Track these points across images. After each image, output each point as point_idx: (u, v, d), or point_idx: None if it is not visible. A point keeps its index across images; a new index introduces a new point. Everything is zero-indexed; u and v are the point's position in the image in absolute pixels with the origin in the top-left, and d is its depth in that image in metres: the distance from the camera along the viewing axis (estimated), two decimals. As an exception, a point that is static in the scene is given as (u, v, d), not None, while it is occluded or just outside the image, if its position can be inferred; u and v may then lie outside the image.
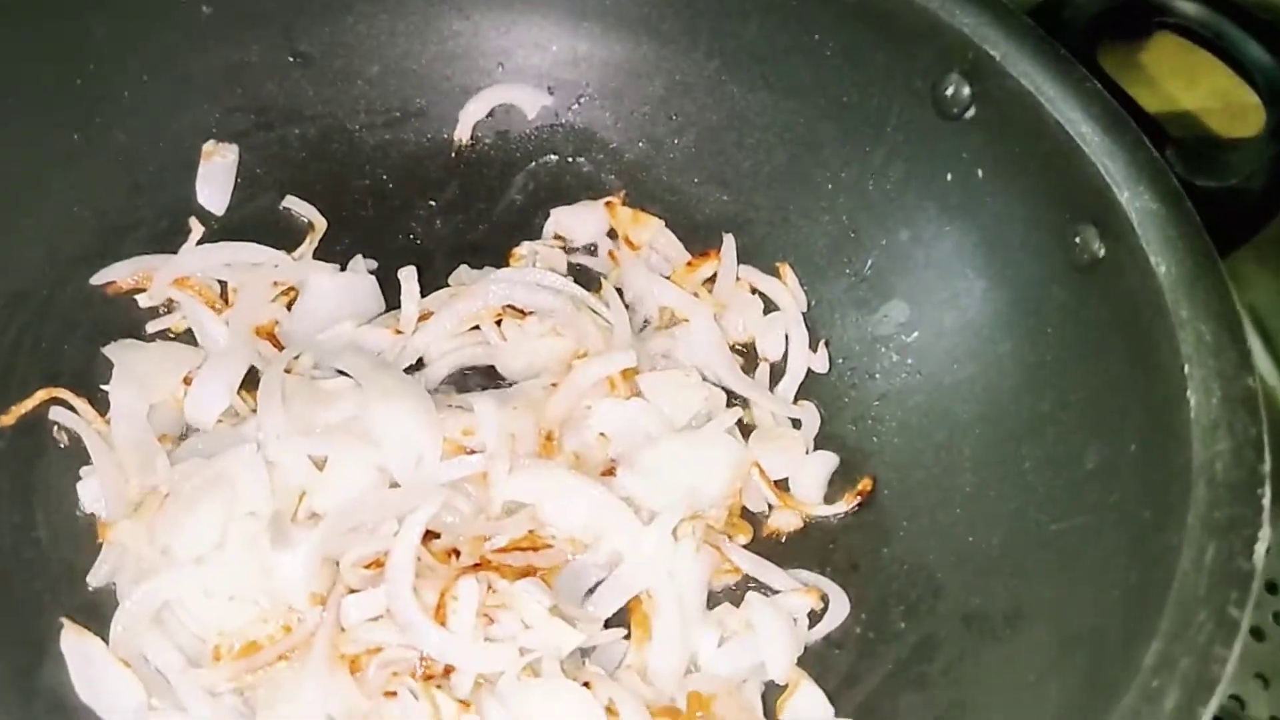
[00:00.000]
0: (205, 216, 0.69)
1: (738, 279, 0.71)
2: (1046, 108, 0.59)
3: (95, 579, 0.57)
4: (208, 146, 0.69)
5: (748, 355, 0.70)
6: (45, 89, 0.62)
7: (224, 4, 0.67)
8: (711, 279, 0.71)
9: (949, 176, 0.65)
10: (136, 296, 0.65)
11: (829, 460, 0.66)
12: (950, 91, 0.64)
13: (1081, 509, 0.55)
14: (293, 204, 0.70)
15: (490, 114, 0.75)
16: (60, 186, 0.63)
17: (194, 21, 0.67)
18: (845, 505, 0.64)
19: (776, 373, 0.69)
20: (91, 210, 0.65)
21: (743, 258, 0.71)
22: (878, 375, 0.68)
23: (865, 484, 0.65)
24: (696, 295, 0.70)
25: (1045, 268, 0.61)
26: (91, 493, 0.58)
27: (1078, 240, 0.58)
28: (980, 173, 0.64)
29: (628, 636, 0.59)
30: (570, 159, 0.75)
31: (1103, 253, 0.57)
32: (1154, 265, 0.54)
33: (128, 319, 0.65)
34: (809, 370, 0.69)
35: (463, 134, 0.74)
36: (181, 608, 0.56)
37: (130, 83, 0.65)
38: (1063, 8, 0.68)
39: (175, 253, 0.66)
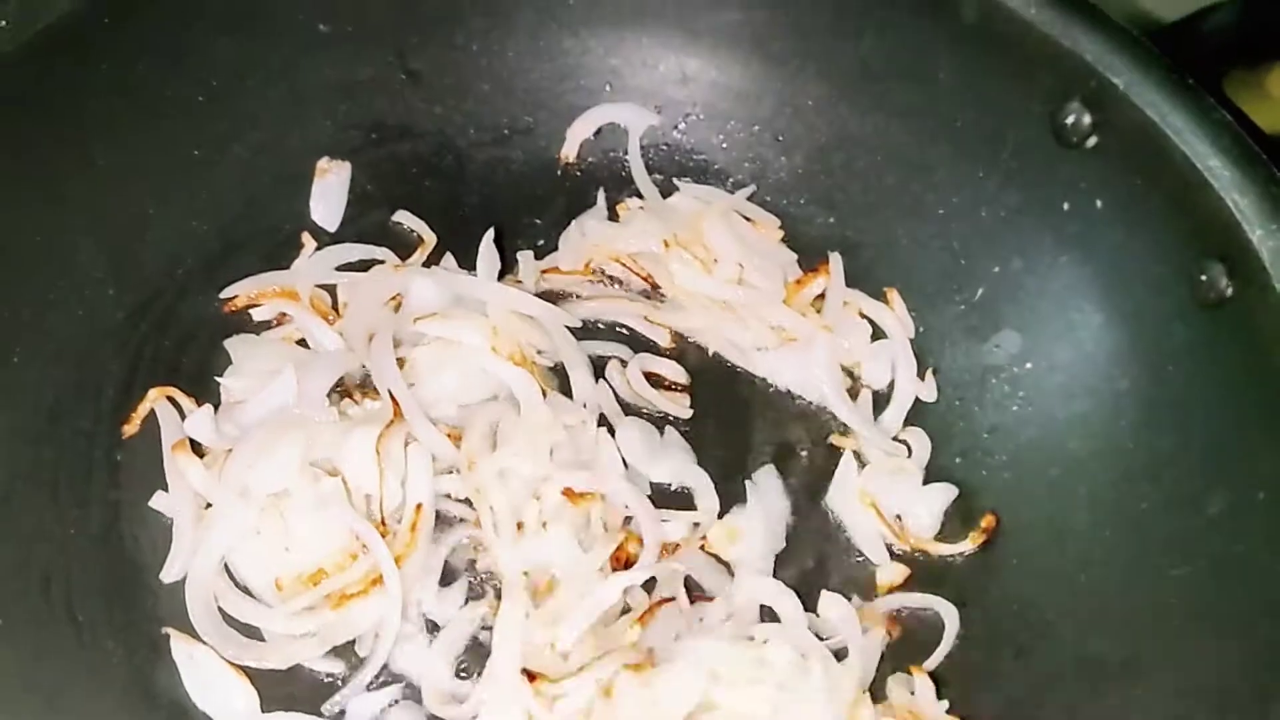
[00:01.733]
0: (317, 231, 0.70)
1: (845, 302, 0.70)
2: (1173, 139, 0.58)
3: (168, 575, 0.57)
4: (321, 164, 0.70)
5: (851, 382, 0.70)
6: (169, 105, 0.63)
7: (340, 22, 0.68)
8: (820, 297, 0.70)
9: (1066, 206, 0.64)
10: (251, 311, 0.66)
11: (947, 492, 0.65)
12: (1071, 119, 0.62)
13: (1203, 556, 0.53)
14: (403, 218, 0.71)
15: (597, 133, 0.75)
16: (180, 200, 0.65)
17: (312, 40, 0.67)
18: (970, 545, 0.63)
19: (880, 401, 0.69)
20: (209, 224, 0.66)
21: (849, 282, 0.70)
22: (988, 407, 0.66)
23: (989, 521, 0.63)
24: (804, 315, 0.69)
25: (1168, 304, 0.59)
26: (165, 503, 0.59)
27: (1204, 277, 0.57)
28: (1100, 203, 0.63)
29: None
30: (675, 178, 0.75)
31: (1230, 291, 0.55)
32: (1287, 306, 0.52)
33: (244, 329, 0.66)
34: (916, 399, 0.68)
35: (569, 152, 0.75)
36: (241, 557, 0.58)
37: (250, 100, 0.67)
38: (1189, 33, 0.66)
39: (288, 267, 0.67)
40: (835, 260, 0.71)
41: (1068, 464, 0.62)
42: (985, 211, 0.68)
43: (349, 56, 0.69)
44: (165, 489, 0.58)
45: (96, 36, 0.58)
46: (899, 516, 0.65)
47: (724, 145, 0.75)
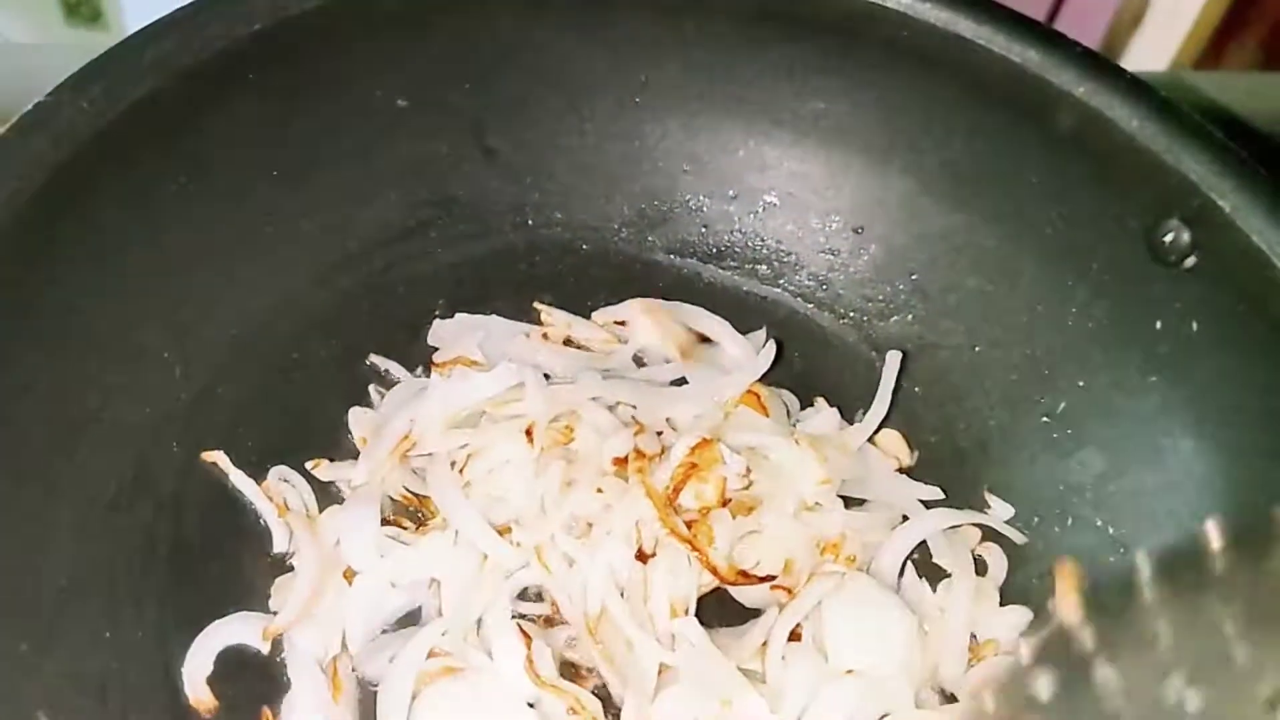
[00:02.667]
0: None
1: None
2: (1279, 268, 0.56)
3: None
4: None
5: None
6: (242, 183, 0.62)
7: (418, 97, 0.67)
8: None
9: (1158, 325, 0.62)
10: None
11: (1022, 615, 0.62)
12: (1169, 238, 0.60)
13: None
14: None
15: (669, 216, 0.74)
16: (247, 277, 0.63)
17: (389, 114, 0.66)
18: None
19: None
20: (275, 300, 0.65)
21: (926, 381, 0.69)
22: (1067, 528, 0.64)
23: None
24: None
25: (1268, 440, 0.57)
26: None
27: (1312, 419, 0.55)
28: (1195, 326, 0.60)
29: None
30: (747, 265, 0.74)
31: (1341, 435, 0.54)
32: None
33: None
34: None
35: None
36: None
37: (323, 173, 0.65)
38: (1293, 150, 0.64)
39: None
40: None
41: (1152, 600, 0.60)
42: (1072, 322, 0.65)
43: (425, 133, 0.68)
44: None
45: (175, 119, 0.57)
46: (973, 635, 0.63)
47: (799, 235, 0.73)
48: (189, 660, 0.55)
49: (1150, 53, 1.33)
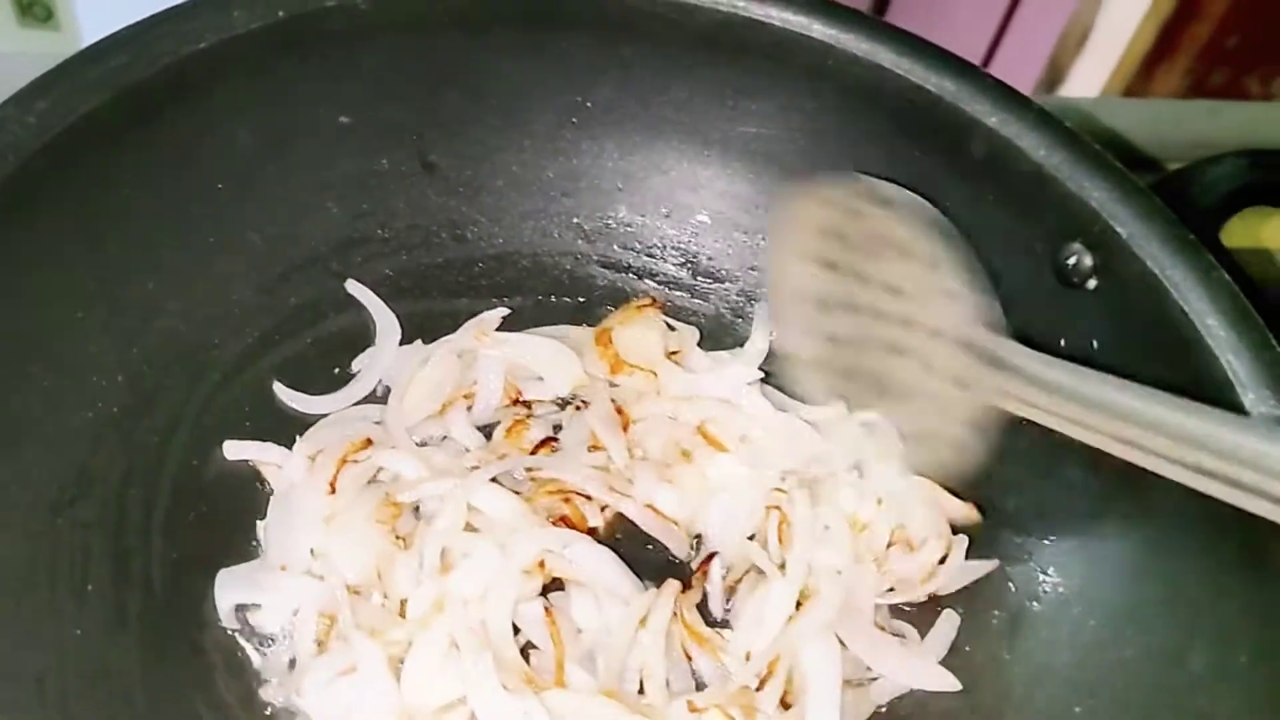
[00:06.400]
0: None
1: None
2: (1172, 294, 0.59)
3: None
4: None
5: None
6: (188, 195, 0.63)
7: (362, 114, 0.69)
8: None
9: (1062, 343, 0.65)
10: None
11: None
12: (1073, 261, 0.63)
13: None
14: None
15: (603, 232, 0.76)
16: (192, 287, 0.65)
17: (332, 130, 0.68)
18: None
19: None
20: (221, 310, 0.66)
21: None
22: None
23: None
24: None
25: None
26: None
27: (1197, 433, 0.58)
28: (1095, 344, 0.64)
29: None
30: (679, 280, 0.76)
31: (1222, 448, 0.57)
32: (1276, 475, 0.53)
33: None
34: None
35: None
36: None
37: (267, 188, 0.67)
38: (1191, 181, 0.68)
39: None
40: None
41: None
42: (983, 339, 0.69)
43: (367, 148, 0.70)
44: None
45: (120, 132, 0.58)
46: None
47: (730, 251, 0.76)
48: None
49: (1091, 79, 1.37)
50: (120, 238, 0.61)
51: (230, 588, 0.60)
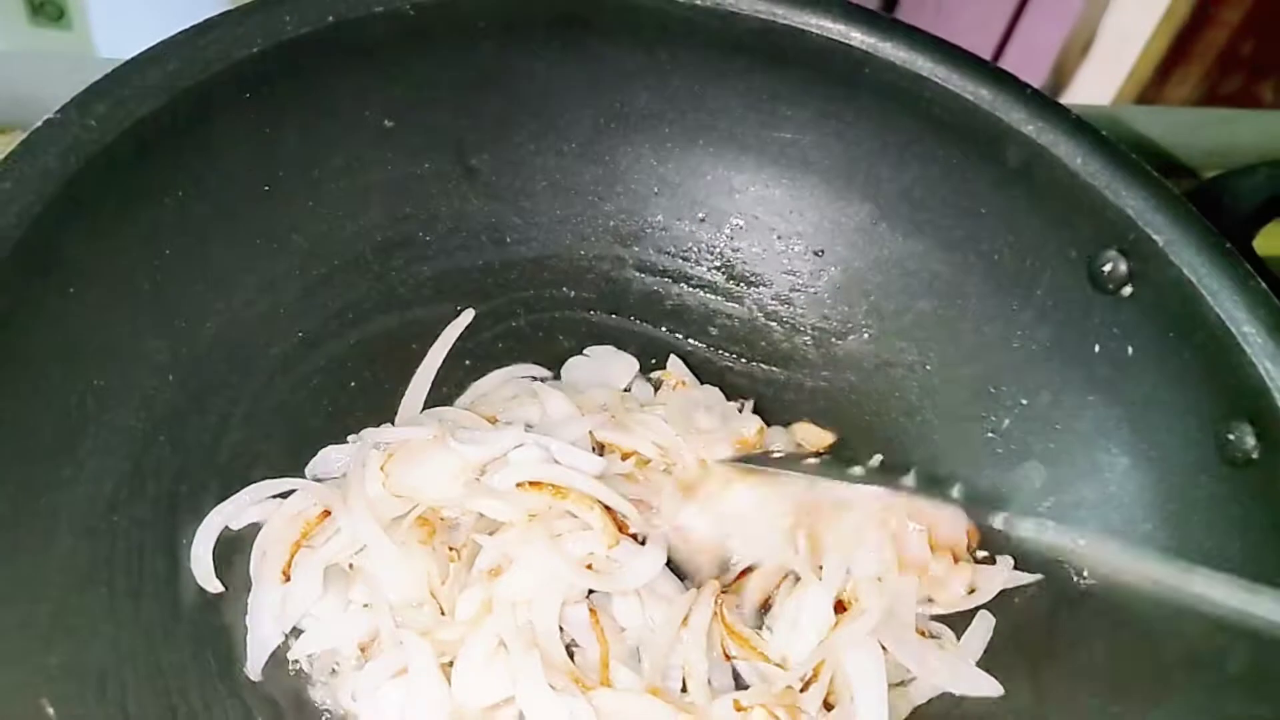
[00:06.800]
0: (370, 319, 0.71)
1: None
2: (1208, 300, 0.60)
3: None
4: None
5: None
6: (237, 198, 0.64)
7: (405, 118, 0.70)
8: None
9: (1097, 348, 0.66)
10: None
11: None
12: (1108, 268, 0.64)
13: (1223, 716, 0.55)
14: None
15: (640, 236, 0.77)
16: (240, 288, 0.66)
17: (376, 134, 0.69)
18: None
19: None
20: (267, 311, 0.67)
21: (880, 397, 0.73)
22: (1010, 538, 0.68)
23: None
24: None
25: (1194, 456, 0.61)
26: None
27: (1231, 436, 0.59)
28: (1131, 350, 0.65)
29: None
30: (713, 283, 0.77)
31: (1257, 454, 0.58)
32: (1313, 479, 0.55)
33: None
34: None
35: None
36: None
37: (312, 191, 0.68)
38: (1224, 193, 0.69)
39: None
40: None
41: (1088, 604, 0.65)
42: (1017, 344, 0.70)
43: (410, 152, 0.71)
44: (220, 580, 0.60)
45: (175, 135, 0.59)
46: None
47: (764, 255, 0.77)
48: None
49: (1096, 84, 1.38)
50: (172, 240, 0.61)
51: (262, 625, 0.60)
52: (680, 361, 0.76)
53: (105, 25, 1.09)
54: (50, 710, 0.48)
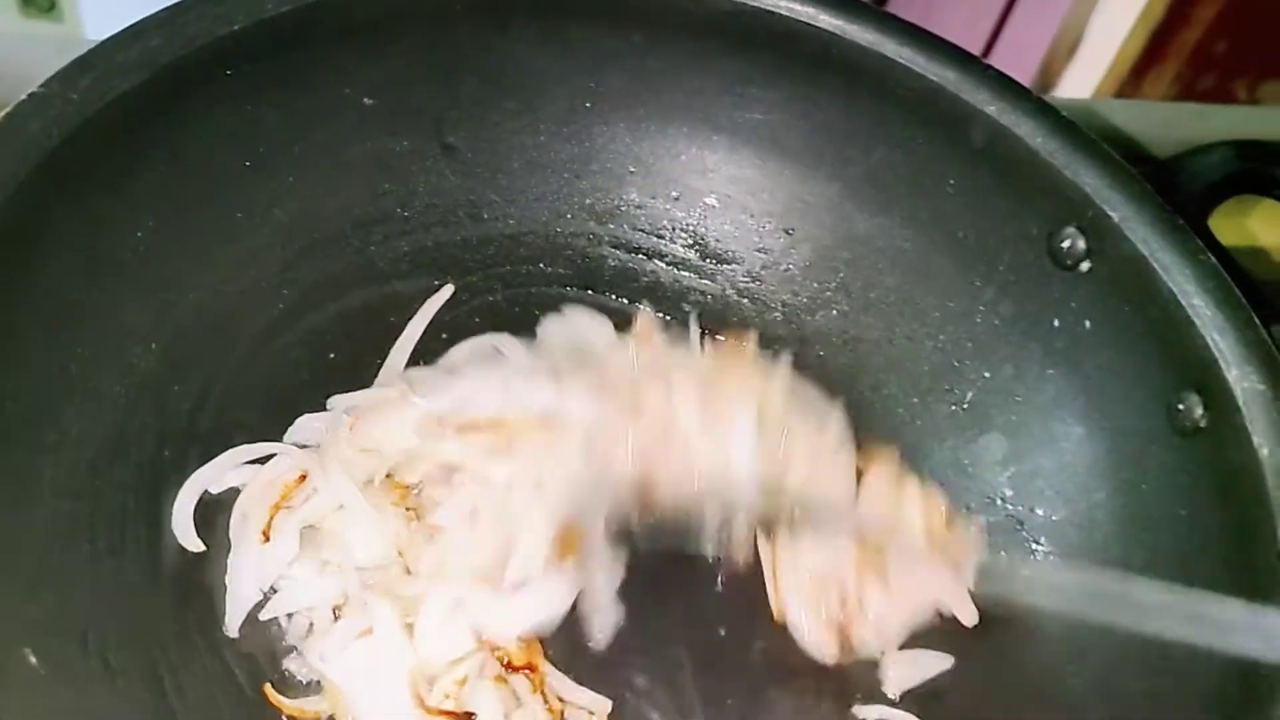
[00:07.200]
0: (347, 292, 0.73)
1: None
2: (1160, 274, 0.62)
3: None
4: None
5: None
6: (217, 173, 0.66)
7: (384, 97, 0.71)
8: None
9: (1056, 322, 0.68)
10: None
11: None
12: (1067, 244, 0.66)
13: (1167, 672, 0.57)
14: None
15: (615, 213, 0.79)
16: (221, 261, 0.67)
17: (356, 111, 0.71)
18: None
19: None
20: (248, 284, 0.69)
21: (846, 375, 0.75)
22: (971, 506, 0.70)
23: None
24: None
25: (1145, 426, 0.63)
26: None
27: (1180, 406, 0.61)
28: (1088, 324, 0.67)
29: None
30: (687, 261, 0.79)
31: (1205, 423, 0.60)
32: (1256, 446, 0.56)
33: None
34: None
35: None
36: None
37: (293, 166, 0.69)
38: (1180, 170, 0.71)
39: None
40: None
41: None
42: (980, 319, 0.72)
43: (389, 130, 0.72)
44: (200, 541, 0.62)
45: (156, 110, 0.61)
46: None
47: (736, 234, 0.79)
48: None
49: (1081, 82, 1.40)
50: (153, 213, 0.63)
51: (242, 585, 0.61)
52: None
53: (95, 15, 1.10)
54: (33, 659, 0.50)
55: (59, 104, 0.57)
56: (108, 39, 0.60)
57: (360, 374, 0.71)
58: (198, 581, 0.61)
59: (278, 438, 0.67)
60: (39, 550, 0.54)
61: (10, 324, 0.56)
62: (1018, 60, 1.47)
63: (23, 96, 0.56)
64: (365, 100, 0.71)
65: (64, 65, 0.58)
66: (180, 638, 0.58)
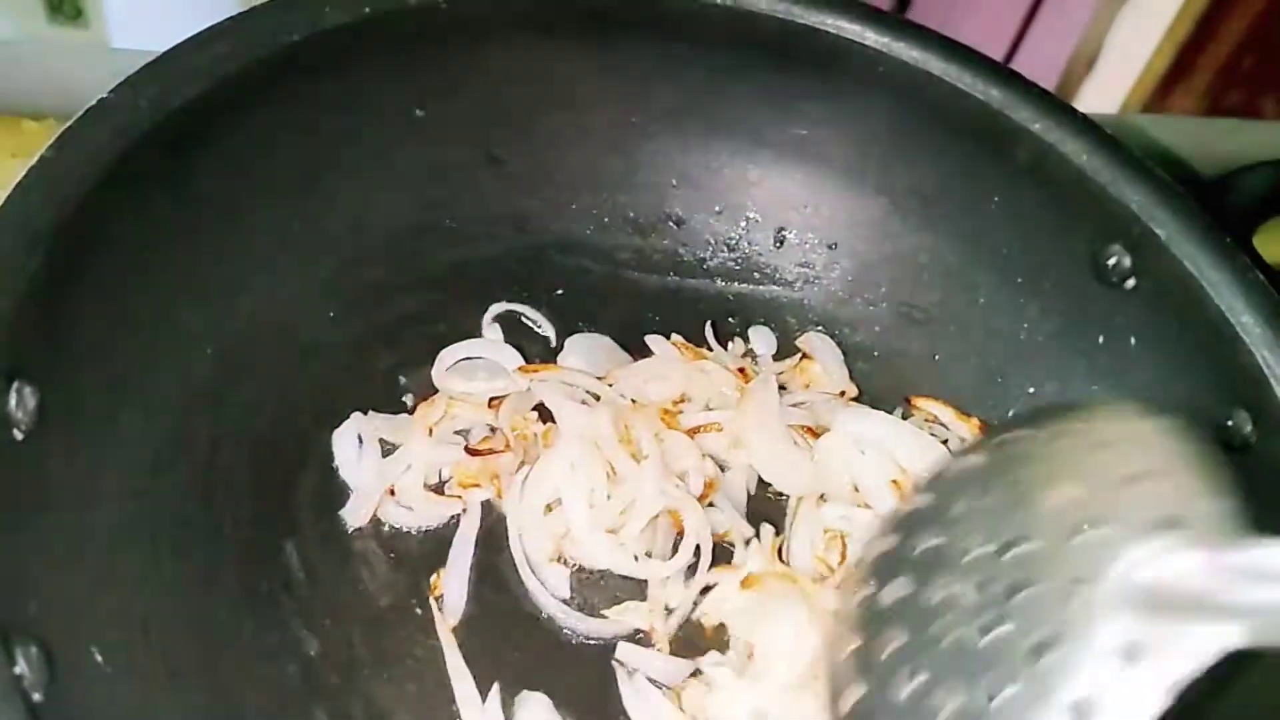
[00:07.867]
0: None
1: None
2: (1209, 292, 0.63)
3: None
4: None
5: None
6: (274, 182, 0.66)
7: (434, 108, 0.72)
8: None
9: (1101, 339, 0.69)
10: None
11: None
12: (1112, 261, 0.67)
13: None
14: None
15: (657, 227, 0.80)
16: (275, 268, 0.68)
17: (407, 122, 0.72)
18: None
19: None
20: (301, 289, 0.70)
21: (887, 391, 0.76)
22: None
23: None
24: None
25: (1193, 442, 0.64)
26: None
27: (1229, 423, 0.61)
28: (1133, 341, 0.67)
29: None
30: (728, 275, 0.80)
31: (1254, 439, 0.60)
32: (1306, 465, 0.57)
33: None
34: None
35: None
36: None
37: (345, 175, 0.70)
38: (1226, 190, 0.71)
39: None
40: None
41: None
42: (1024, 335, 0.72)
43: (438, 140, 0.73)
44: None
45: (218, 119, 0.61)
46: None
47: (778, 248, 0.80)
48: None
49: (1102, 95, 1.40)
50: (215, 219, 0.64)
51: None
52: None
53: (121, 24, 1.12)
54: (99, 657, 0.50)
55: (129, 110, 0.57)
56: (173, 47, 0.61)
57: (408, 381, 0.72)
58: (254, 582, 0.61)
59: (327, 444, 0.68)
60: (103, 550, 0.55)
61: (74, 328, 0.56)
62: (1036, 73, 1.49)
63: (92, 102, 0.57)
64: (416, 111, 0.72)
65: (133, 71, 0.58)
66: (239, 636, 0.59)
